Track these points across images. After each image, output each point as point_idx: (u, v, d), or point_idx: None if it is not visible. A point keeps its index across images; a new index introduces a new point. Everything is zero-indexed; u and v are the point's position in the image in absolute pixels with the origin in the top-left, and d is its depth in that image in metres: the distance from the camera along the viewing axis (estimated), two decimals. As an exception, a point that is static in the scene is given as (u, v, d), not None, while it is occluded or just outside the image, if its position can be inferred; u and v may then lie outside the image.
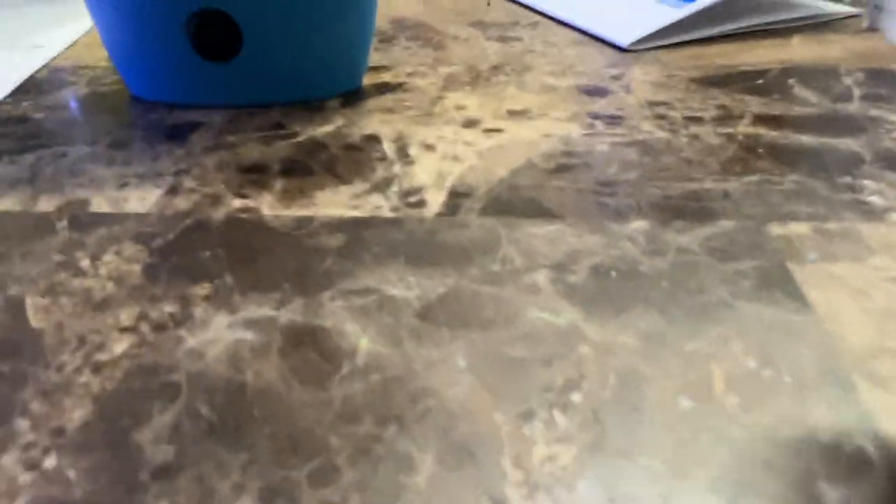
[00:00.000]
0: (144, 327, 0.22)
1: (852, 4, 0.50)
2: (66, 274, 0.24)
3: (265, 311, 0.22)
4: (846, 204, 0.27)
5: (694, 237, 0.25)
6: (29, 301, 0.23)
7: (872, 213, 0.26)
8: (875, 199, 0.27)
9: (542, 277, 0.23)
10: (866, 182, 0.28)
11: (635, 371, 0.20)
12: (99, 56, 0.45)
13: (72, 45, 0.47)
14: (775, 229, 0.25)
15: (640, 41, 0.43)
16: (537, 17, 0.50)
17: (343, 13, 0.36)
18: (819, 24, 0.46)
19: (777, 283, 0.23)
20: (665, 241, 0.25)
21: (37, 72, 0.43)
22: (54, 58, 0.45)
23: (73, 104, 0.38)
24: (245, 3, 0.34)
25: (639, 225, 0.26)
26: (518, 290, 0.23)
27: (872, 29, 0.45)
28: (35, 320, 0.22)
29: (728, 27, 0.44)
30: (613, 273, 0.24)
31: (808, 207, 0.27)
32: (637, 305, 0.22)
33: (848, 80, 0.37)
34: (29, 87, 0.40)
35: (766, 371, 0.20)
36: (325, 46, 0.37)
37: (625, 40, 0.43)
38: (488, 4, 0.53)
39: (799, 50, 0.42)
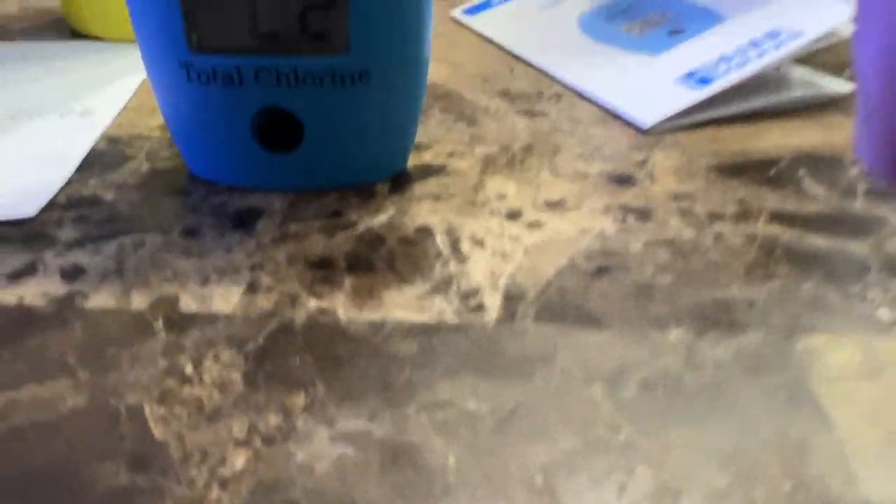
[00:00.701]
0: (256, 441, 0.25)
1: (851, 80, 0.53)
2: (174, 381, 0.27)
3: (360, 425, 0.26)
4: (858, 317, 0.30)
5: (727, 350, 0.29)
6: (147, 410, 0.26)
7: (881, 327, 0.30)
8: (883, 313, 0.30)
9: (598, 391, 0.27)
10: (874, 293, 0.32)
11: (684, 490, 0.23)
12: (151, 124, 0.48)
13: (122, 111, 0.50)
14: (799, 342, 0.29)
15: (660, 123, 0.46)
16: (559, 89, 0.53)
17: (398, 101, 0.39)
18: (827, 104, 0.49)
19: (803, 400, 0.26)
20: (703, 352, 0.29)
21: (95, 143, 0.45)
22: (108, 126, 0.48)
23: (138, 182, 0.41)
24: (308, 101, 0.37)
25: (677, 335, 0.30)
26: (580, 404, 0.26)
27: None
28: (157, 431, 0.25)
29: (742, 107, 0.48)
30: (660, 388, 0.27)
31: (824, 320, 0.30)
32: (683, 423, 0.26)
33: (852, 172, 0.41)
34: (92, 162, 0.43)
35: (798, 495, 0.23)
36: (380, 135, 0.40)
37: (646, 121, 0.46)
38: (511, 71, 0.56)
39: (806, 134, 0.45)
